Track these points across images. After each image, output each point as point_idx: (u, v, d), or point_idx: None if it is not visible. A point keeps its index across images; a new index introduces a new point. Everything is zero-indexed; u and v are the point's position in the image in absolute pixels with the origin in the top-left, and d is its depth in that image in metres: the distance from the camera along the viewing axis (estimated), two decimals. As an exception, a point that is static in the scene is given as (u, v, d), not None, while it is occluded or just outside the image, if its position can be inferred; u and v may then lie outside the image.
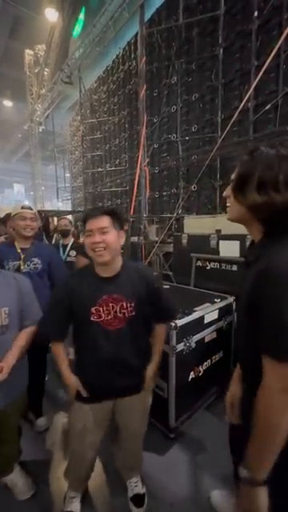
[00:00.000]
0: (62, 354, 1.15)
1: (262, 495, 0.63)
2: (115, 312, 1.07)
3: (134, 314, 1.09)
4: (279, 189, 0.60)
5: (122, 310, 1.07)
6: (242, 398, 0.90)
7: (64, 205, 12.05)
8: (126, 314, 1.08)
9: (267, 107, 3.36)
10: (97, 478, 1.45)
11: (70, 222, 2.91)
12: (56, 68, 9.11)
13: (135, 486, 1.38)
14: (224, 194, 0.77)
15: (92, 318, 1.06)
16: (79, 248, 2.75)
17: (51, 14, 8.47)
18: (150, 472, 1.53)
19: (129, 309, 1.08)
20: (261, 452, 0.62)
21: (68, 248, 2.66)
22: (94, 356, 1.09)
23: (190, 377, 1.79)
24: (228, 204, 0.76)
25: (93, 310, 1.05)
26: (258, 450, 0.63)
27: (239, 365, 0.90)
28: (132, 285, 1.10)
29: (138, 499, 1.35)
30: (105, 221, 1.02)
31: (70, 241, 2.71)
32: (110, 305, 1.06)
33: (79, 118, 8.09)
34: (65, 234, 2.70)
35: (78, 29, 8.13)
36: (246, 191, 0.66)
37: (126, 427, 1.28)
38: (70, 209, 10.33)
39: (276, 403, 0.59)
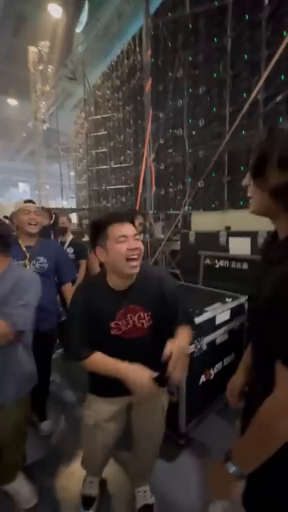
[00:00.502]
0: (102, 357, 1.00)
1: (240, 485, 0.65)
2: (133, 322, 1.03)
3: (151, 323, 1.05)
4: None
5: (140, 321, 1.04)
6: (255, 399, 0.80)
7: (69, 203, 12.04)
8: (145, 324, 1.04)
9: (278, 98, 3.23)
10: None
11: (69, 219, 2.85)
12: (60, 64, 9.05)
13: (144, 496, 1.33)
14: (244, 182, 0.67)
15: (112, 332, 1.03)
16: (78, 246, 2.69)
17: (54, 10, 8.38)
18: (159, 479, 1.46)
19: (146, 318, 1.04)
20: (257, 456, 0.59)
21: (66, 245, 2.62)
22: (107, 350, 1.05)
23: (201, 380, 1.71)
24: (249, 195, 0.66)
25: (112, 324, 1.02)
26: (254, 454, 0.60)
27: (253, 365, 0.82)
28: (148, 294, 1.04)
29: (146, 510, 1.30)
30: (134, 226, 0.99)
31: (69, 238, 2.66)
32: (128, 315, 1.02)
33: (83, 114, 8.02)
34: (63, 231, 2.66)
35: (81, 24, 8.03)
36: (266, 173, 0.57)
37: (143, 430, 1.23)
38: (74, 207, 10.31)
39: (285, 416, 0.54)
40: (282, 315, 0.55)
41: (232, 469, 0.61)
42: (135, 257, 0.93)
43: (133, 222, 1.00)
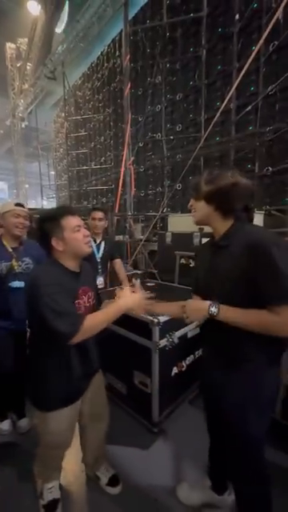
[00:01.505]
0: (93, 314, 1.06)
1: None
2: (84, 303, 1.14)
3: (94, 301, 1.22)
4: (219, 179, 0.92)
5: (89, 300, 1.17)
6: (214, 372, 1.03)
7: (49, 203, 11.81)
8: (91, 303, 1.18)
9: (248, 109, 3.45)
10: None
11: None
12: (39, 63, 8.90)
13: (106, 471, 1.43)
14: (189, 205, 1.03)
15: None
16: None
17: (33, 7, 8.26)
18: (134, 467, 1.54)
19: (92, 297, 1.19)
20: (239, 321, 0.86)
21: None
22: (77, 350, 1.10)
23: (174, 372, 1.82)
24: (193, 210, 1.01)
25: (76, 303, 1.08)
26: (240, 321, 0.86)
27: (212, 341, 1.06)
28: (90, 276, 1.26)
29: (113, 480, 1.40)
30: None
31: None
32: (83, 296, 1.14)
33: (63, 114, 7.96)
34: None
35: (61, 24, 7.97)
36: (200, 188, 0.96)
37: (91, 411, 1.29)
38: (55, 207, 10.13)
39: (273, 327, 0.82)
40: (265, 269, 0.81)
41: (212, 310, 0.89)
42: (89, 243, 1.11)
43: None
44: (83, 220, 1.21)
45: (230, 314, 0.87)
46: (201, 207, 0.97)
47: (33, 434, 1.78)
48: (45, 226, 1.07)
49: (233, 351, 0.95)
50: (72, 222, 1.06)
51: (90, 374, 1.25)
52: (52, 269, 1.07)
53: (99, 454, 1.43)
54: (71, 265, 1.11)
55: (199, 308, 0.94)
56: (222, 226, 0.96)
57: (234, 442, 1.01)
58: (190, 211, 1.04)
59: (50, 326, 0.93)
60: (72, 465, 1.51)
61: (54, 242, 1.05)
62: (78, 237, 1.07)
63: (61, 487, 1.35)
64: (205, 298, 0.97)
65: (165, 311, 1.31)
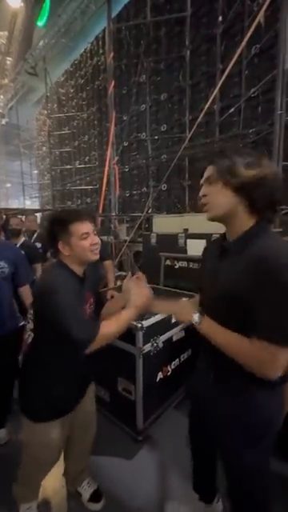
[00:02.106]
0: (108, 320, 1.02)
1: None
2: (89, 308, 1.13)
3: (93, 307, 1.18)
4: (263, 164, 0.71)
5: (91, 306, 1.15)
6: (204, 385, 0.95)
7: (32, 203, 11.47)
8: (92, 309, 1.15)
9: (231, 110, 3.48)
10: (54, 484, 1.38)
11: (22, 221, 2.82)
12: (19, 57, 8.60)
13: (88, 486, 1.36)
14: (202, 192, 0.80)
15: None
16: (30, 249, 2.61)
17: (13, 0, 7.96)
18: (118, 479, 1.48)
19: (93, 304, 1.17)
20: (216, 341, 0.79)
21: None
22: (79, 360, 1.07)
23: (159, 377, 1.77)
24: (207, 201, 0.79)
25: (82, 309, 1.07)
26: (219, 341, 0.79)
27: (207, 353, 0.94)
28: (94, 283, 1.22)
29: (95, 496, 1.34)
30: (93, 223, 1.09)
31: (20, 240, 2.58)
32: (87, 302, 1.12)
33: (46, 112, 7.73)
34: (15, 233, 2.57)
35: (43, 18, 7.74)
36: (237, 172, 0.72)
37: (79, 422, 1.24)
38: (38, 207, 9.86)
39: (252, 361, 0.72)
40: (265, 297, 0.67)
41: (195, 319, 0.83)
42: (96, 251, 1.07)
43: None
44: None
45: (212, 330, 0.81)
46: (224, 199, 0.74)
47: (10, 447, 1.69)
48: (53, 228, 1.05)
49: (222, 364, 0.82)
50: (80, 228, 1.03)
51: (87, 383, 1.24)
52: (63, 272, 1.05)
53: (83, 466, 1.36)
54: (77, 269, 1.09)
55: (185, 312, 0.89)
56: (243, 225, 0.76)
57: (229, 469, 0.93)
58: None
59: (69, 333, 0.90)
60: (52, 479, 1.43)
61: (60, 246, 1.04)
62: (84, 245, 1.03)
63: (39, 505, 1.27)
64: (203, 305, 0.92)
65: (167, 310, 1.20)
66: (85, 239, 1.03)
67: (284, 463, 1.48)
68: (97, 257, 1.07)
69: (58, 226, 1.05)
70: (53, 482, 1.43)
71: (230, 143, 3.60)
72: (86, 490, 1.35)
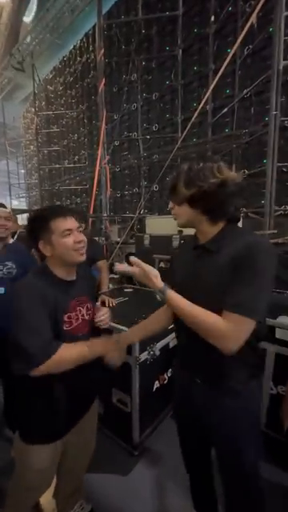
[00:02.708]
0: (70, 345, 0.91)
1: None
2: (82, 315, 1.02)
3: (93, 314, 1.09)
4: (201, 179, 0.77)
5: (88, 312, 1.05)
6: (192, 392, 0.93)
7: (20, 203, 11.13)
8: (91, 316, 1.07)
9: (224, 111, 3.45)
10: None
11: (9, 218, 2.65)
12: (5, 52, 8.33)
13: (81, 510, 1.27)
14: (169, 206, 0.89)
15: (65, 328, 0.95)
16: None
17: (-1, -7, 7.72)
18: (113, 496, 1.40)
19: (91, 309, 1.07)
20: (182, 315, 0.80)
21: None
22: (70, 377, 0.94)
23: (155, 386, 1.69)
24: (174, 213, 0.88)
25: (65, 318, 0.96)
26: (186, 311, 0.79)
27: (188, 359, 0.95)
28: (89, 285, 1.12)
29: None
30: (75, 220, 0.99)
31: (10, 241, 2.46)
32: (78, 308, 1.01)
33: (33, 109, 7.51)
34: None
35: (30, 12, 7.52)
36: (179, 191, 0.82)
37: (76, 439, 1.13)
38: (25, 207, 9.58)
39: (219, 333, 0.73)
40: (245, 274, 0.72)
41: (162, 285, 0.81)
42: (82, 250, 0.97)
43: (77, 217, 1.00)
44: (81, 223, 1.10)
45: (178, 298, 0.80)
46: (184, 212, 0.84)
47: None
48: (34, 226, 0.95)
49: (212, 367, 0.84)
50: (62, 225, 0.93)
51: (86, 402, 1.13)
52: (37, 279, 0.94)
53: (75, 487, 1.25)
54: (62, 273, 0.98)
55: (152, 281, 0.82)
56: (212, 229, 0.83)
57: (227, 469, 0.92)
58: (167, 212, 0.93)
59: (19, 345, 0.82)
60: (42, 502, 1.32)
61: (41, 246, 0.95)
62: (66, 242, 0.93)
63: None
64: None
65: (140, 336, 1.14)
66: (67, 236, 0.93)
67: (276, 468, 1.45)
68: (83, 257, 0.98)
69: (38, 223, 0.94)
70: (43, 505, 1.32)
71: (223, 144, 3.58)
72: None
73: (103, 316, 1.10)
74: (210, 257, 0.83)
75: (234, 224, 0.85)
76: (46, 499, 1.31)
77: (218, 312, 0.75)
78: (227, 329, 0.71)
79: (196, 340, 0.80)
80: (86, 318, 1.04)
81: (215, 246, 0.82)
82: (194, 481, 1.18)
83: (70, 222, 0.95)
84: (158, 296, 0.83)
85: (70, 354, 0.88)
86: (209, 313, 0.75)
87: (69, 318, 0.96)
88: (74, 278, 1.03)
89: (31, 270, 1.05)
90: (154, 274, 0.82)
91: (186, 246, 1.00)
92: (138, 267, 0.84)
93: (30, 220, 0.98)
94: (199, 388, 0.90)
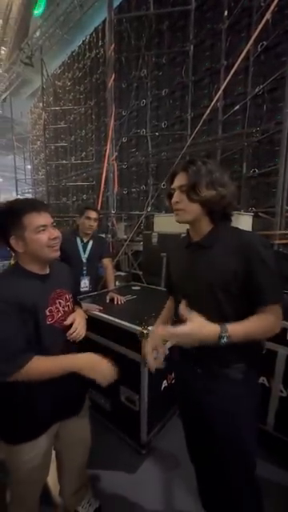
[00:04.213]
0: (44, 357, 0.89)
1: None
2: (63, 307, 1.02)
3: (73, 305, 1.11)
4: (223, 185, 0.84)
5: (67, 303, 1.05)
6: (193, 387, 0.96)
7: (25, 198, 11.14)
8: (70, 307, 1.07)
9: (236, 108, 3.39)
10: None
11: None
12: (14, 47, 8.31)
13: (89, 505, 1.26)
14: (174, 199, 0.89)
15: (48, 322, 0.95)
16: None
17: (9, -13, 7.68)
18: (120, 493, 1.39)
19: (70, 300, 1.08)
20: (248, 337, 0.78)
21: None
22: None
23: (163, 385, 1.68)
24: (179, 208, 0.88)
25: (47, 312, 0.95)
26: (248, 336, 0.78)
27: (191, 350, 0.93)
28: (65, 275, 1.12)
29: None
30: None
31: None
32: (57, 301, 1.00)
33: (41, 104, 7.50)
34: None
35: (40, 7, 7.47)
36: (199, 190, 0.83)
37: (72, 438, 1.15)
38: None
39: (273, 327, 0.81)
40: (257, 270, 0.79)
41: (224, 339, 0.75)
42: (56, 246, 0.95)
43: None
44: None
45: (241, 329, 0.77)
46: (193, 209, 0.87)
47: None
48: (3, 221, 0.88)
49: (214, 359, 0.88)
50: (36, 220, 0.88)
51: (71, 401, 1.10)
52: (8, 280, 0.91)
53: (80, 484, 1.26)
54: (36, 268, 0.95)
55: (205, 335, 0.74)
56: (207, 226, 0.90)
57: (226, 459, 0.94)
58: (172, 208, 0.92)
59: None
60: (51, 500, 1.32)
61: (12, 242, 0.89)
62: (41, 239, 0.89)
63: None
64: (178, 299, 0.95)
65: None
66: (41, 233, 0.89)
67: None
68: (57, 254, 0.95)
69: (8, 217, 0.88)
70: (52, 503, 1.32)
71: (233, 142, 3.53)
72: (87, 510, 1.25)
73: (74, 329, 1.03)
74: (204, 252, 0.88)
75: (226, 222, 0.91)
76: (55, 496, 1.32)
77: (214, 301, 0.84)
78: (274, 322, 0.80)
79: None
80: (66, 309, 1.03)
81: (209, 242, 0.88)
82: (198, 474, 1.18)
83: (45, 218, 0.91)
84: (221, 342, 0.75)
85: (38, 368, 0.86)
86: (263, 320, 0.80)
87: (50, 311, 0.96)
88: (48, 271, 1.01)
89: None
90: (199, 326, 0.75)
91: (178, 245, 1.04)
92: (174, 335, 0.77)
93: (1, 214, 0.90)
94: (199, 377, 0.94)
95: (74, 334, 1.03)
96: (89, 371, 0.91)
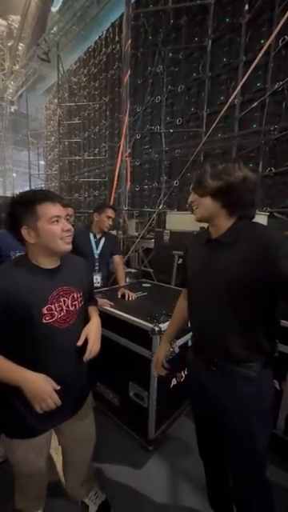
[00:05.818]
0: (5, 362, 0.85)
1: None
2: (67, 306, 0.96)
3: (82, 303, 1.03)
4: (229, 173, 0.82)
5: (74, 302, 0.99)
6: (207, 383, 0.96)
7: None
8: (77, 306, 1.00)
9: (254, 105, 3.31)
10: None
11: None
12: (32, 43, 8.39)
13: (96, 497, 1.28)
14: (189, 199, 0.92)
15: (44, 320, 0.89)
16: None
17: (28, -17, 7.74)
18: (127, 489, 1.40)
19: (79, 299, 1.02)
20: None
21: None
22: (48, 366, 0.92)
23: (172, 383, 1.67)
24: (195, 206, 0.91)
25: (44, 310, 0.89)
26: None
27: (201, 349, 1.00)
28: (78, 272, 1.05)
29: (103, 508, 1.26)
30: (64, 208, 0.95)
31: None
32: (62, 299, 0.95)
33: (56, 100, 7.56)
34: None
35: (57, 2, 7.50)
36: (205, 183, 0.85)
37: (77, 433, 1.15)
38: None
39: None
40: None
41: None
42: (68, 239, 0.92)
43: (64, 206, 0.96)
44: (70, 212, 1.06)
45: None
46: (206, 204, 0.87)
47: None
48: (16, 210, 0.87)
49: (229, 356, 0.88)
50: (51, 210, 0.87)
51: (68, 406, 1.01)
52: (12, 269, 0.89)
53: (86, 477, 1.27)
54: (45, 262, 0.93)
55: None
56: (226, 223, 0.88)
57: (238, 457, 0.95)
58: (186, 208, 0.91)
59: None
60: (58, 491, 1.34)
61: (24, 232, 0.87)
62: (54, 230, 0.87)
63: None
64: (199, 297, 0.95)
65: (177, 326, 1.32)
66: (55, 223, 0.87)
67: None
68: (69, 247, 0.93)
69: (22, 207, 0.86)
70: (59, 494, 1.34)
71: (250, 140, 3.45)
72: (93, 502, 1.27)
73: (89, 352, 0.98)
74: (224, 250, 0.87)
75: (247, 220, 0.89)
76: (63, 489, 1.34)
77: (231, 300, 0.83)
78: None
79: (212, 330, 0.89)
80: (72, 308, 0.97)
81: (231, 239, 0.86)
82: (208, 470, 1.18)
83: (59, 209, 0.90)
84: None
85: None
86: None
87: (49, 309, 0.90)
88: (57, 264, 0.96)
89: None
90: None
91: (196, 240, 1.04)
92: None
93: (13, 202, 0.88)
94: (213, 374, 0.93)
95: (89, 355, 0.98)
96: (29, 395, 0.85)
